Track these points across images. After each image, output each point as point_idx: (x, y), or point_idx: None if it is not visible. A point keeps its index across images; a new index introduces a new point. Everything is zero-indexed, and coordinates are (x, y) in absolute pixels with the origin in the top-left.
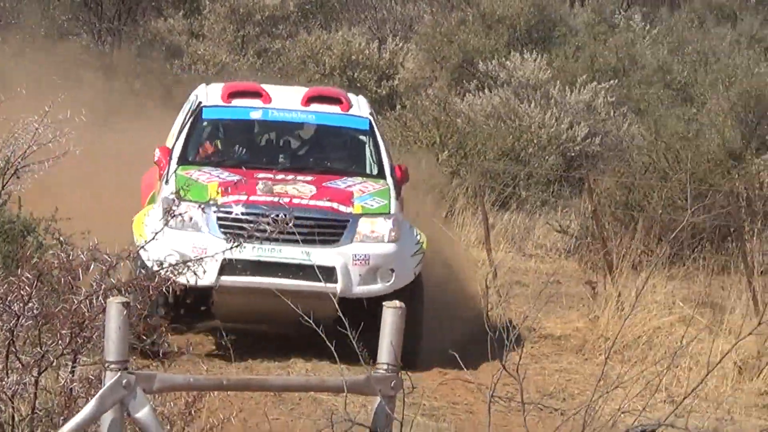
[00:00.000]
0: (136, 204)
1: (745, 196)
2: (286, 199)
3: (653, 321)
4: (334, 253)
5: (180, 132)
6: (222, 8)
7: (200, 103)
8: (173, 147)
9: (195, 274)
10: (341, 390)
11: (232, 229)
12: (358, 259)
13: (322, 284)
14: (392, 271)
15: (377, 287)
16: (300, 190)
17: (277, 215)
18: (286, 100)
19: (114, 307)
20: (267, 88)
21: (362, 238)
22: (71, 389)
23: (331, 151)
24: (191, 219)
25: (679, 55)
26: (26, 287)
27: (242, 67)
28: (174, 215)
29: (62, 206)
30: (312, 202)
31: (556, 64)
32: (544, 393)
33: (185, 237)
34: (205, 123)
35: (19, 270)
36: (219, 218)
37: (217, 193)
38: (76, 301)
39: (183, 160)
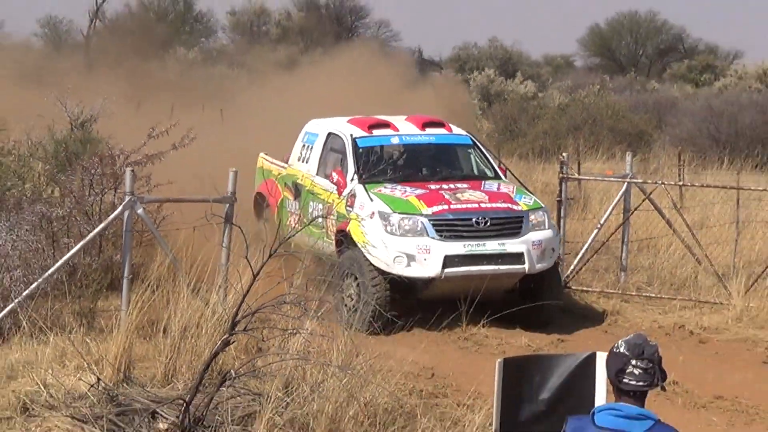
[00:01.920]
0: None
1: None
2: (475, 205)
3: None
4: (520, 242)
5: (342, 158)
6: None
7: (351, 134)
8: (346, 170)
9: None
10: None
11: (445, 232)
12: (536, 245)
13: (515, 267)
14: (554, 250)
15: (546, 264)
16: (477, 197)
17: (478, 218)
18: (408, 127)
19: (128, 172)
20: (386, 118)
21: (533, 227)
22: (114, 203)
23: (457, 163)
24: (412, 226)
25: None
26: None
27: None
28: (393, 224)
29: None
30: (493, 205)
31: None
32: None
33: (410, 241)
34: (360, 150)
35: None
36: (434, 224)
37: (421, 204)
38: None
39: (362, 180)
